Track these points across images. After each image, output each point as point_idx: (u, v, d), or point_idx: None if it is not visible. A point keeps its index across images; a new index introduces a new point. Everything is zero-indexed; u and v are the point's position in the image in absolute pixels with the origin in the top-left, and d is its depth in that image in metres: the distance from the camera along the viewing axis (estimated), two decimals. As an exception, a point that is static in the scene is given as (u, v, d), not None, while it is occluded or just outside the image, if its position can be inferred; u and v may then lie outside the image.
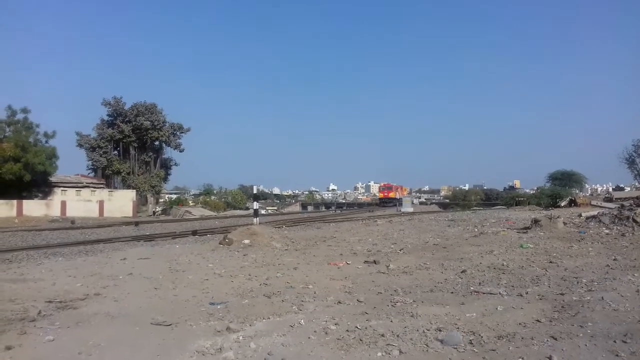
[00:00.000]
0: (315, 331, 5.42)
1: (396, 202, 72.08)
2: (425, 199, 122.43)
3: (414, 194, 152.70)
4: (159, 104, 62.63)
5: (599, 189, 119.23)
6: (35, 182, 44.44)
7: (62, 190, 47.44)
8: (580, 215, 19.33)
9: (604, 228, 15.27)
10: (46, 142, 47.50)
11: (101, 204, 47.38)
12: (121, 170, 60.54)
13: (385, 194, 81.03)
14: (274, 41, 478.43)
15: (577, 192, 52.79)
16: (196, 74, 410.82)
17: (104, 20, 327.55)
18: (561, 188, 47.49)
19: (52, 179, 48.42)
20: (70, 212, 43.44)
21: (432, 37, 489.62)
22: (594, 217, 17.43)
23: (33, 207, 42.84)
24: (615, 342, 4.72)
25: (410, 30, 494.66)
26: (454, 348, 4.72)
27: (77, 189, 49.16)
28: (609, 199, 41.98)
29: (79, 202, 46.27)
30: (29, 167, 42.03)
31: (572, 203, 37.60)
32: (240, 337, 5.26)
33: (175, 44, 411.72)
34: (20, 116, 46.21)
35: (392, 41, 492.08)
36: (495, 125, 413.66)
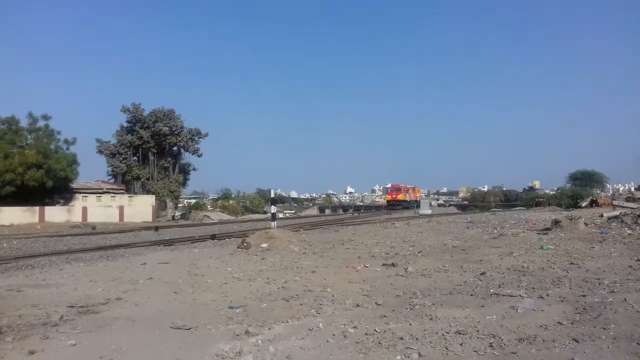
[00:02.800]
0: (333, 334, 5.42)
1: (406, 205, 67.85)
2: (443, 201, 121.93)
3: (432, 195, 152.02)
4: (177, 110, 63.35)
5: (621, 188, 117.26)
6: (57, 188, 45.11)
7: (83, 196, 48.15)
8: (601, 216, 19.07)
9: (626, 228, 15.04)
10: (67, 148, 48.27)
11: (121, 209, 47.95)
12: (140, 176, 61.24)
13: (393, 195, 71.48)
14: (290, 44, 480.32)
15: (598, 192, 52.12)
16: (213, 80, 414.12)
17: (124, 27, 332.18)
18: (582, 188, 46.98)
19: (73, 185, 49.14)
20: (91, 218, 44.07)
21: (450, 39, 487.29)
22: (615, 217, 17.18)
23: (55, 213, 43.53)
24: (638, 344, 4.65)
25: (428, 32, 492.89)
26: (475, 350, 4.69)
27: (97, 194, 49.85)
28: (631, 199, 41.31)
29: (99, 208, 46.93)
30: (51, 174, 42.69)
31: (593, 203, 37.16)
32: (259, 341, 5.27)
33: (193, 50, 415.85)
34: (41, 123, 46.98)
35: (410, 43, 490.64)
36: (514, 125, 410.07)
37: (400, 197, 70.41)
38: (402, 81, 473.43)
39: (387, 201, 74.70)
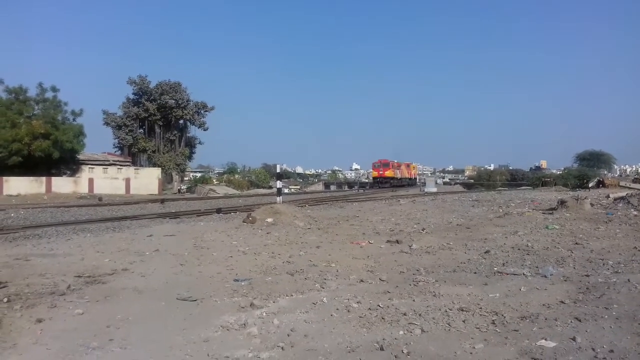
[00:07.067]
0: (337, 309, 5.47)
1: (396, 183, 63.44)
2: (449, 179, 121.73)
3: (437, 173, 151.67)
4: (183, 83, 63.08)
5: (628, 169, 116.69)
6: (63, 159, 45.31)
7: (89, 167, 48.30)
8: (608, 197, 19.00)
9: (632, 210, 14.96)
10: (74, 120, 48.21)
11: (127, 181, 48.13)
12: (147, 149, 61.37)
13: (380, 172, 63.94)
14: (298, 21, 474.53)
15: (605, 173, 51.91)
16: (221, 54, 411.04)
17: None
18: (589, 169, 46.78)
19: (80, 156, 49.31)
20: (98, 189, 44.30)
21: (461, 20, 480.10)
22: (622, 198, 17.09)
23: (61, 184, 43.78)
24: (640, 324, 4.67)
25: (443, 13, 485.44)
26: (478, 327, 4.72)
27: (104, 166, 50.02)
28: (638, 180, 41.14)
29: (106, 180, 47.09)
30: (58, 145, 42.82)
31: (600, 184, 36.98)
32: (264, 314, 5.34)
33: (202, 25, 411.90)
34: (49, 94, 46.93)
35: (416, 21, 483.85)
36: (522, 104, 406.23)
37: (388, 173, 64.03)
38: (411, 58, 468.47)
39: (374, 178, 66.99)
